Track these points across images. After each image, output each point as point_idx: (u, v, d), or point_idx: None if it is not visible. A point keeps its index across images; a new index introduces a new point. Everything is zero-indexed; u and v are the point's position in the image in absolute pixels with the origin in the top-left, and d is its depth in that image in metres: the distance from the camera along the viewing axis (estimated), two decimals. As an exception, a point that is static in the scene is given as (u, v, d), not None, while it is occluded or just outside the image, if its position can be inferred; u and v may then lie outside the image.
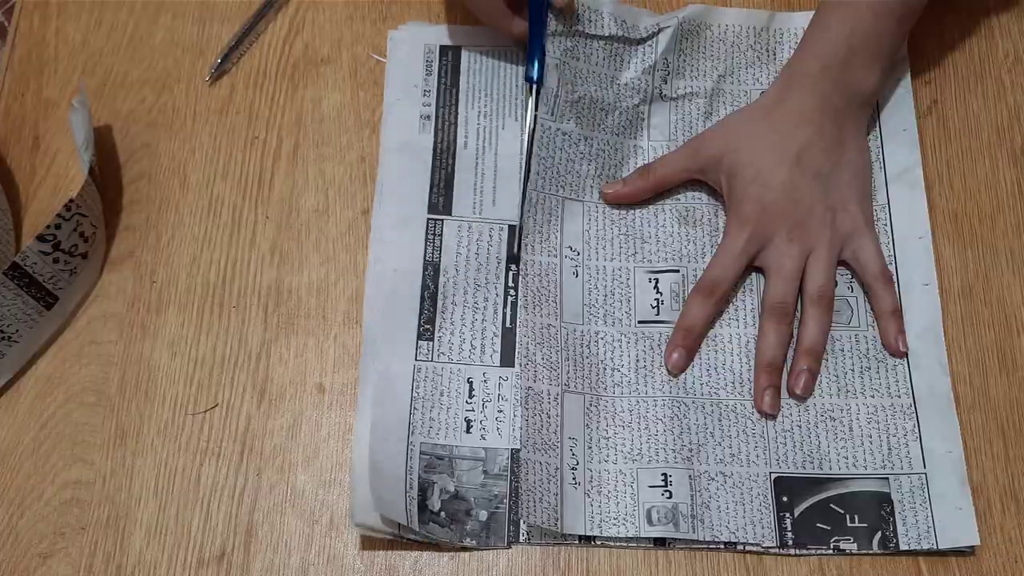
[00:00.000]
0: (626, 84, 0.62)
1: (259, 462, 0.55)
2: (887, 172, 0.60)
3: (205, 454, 0.55)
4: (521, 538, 0.52)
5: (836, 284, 0.57)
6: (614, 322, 0.57)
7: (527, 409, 0.54)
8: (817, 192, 0.56)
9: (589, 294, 0.58)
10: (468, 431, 0.54)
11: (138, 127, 0.63)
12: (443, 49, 0.64)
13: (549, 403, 0.55)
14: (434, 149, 0.61)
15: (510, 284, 0.58)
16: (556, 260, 0.58)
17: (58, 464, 0.55)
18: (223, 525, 0.54)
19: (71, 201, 0.55)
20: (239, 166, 0.62)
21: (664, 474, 0.53)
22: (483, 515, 0.53)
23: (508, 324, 0.57)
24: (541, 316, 0.56)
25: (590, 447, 0.54)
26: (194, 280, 0.59)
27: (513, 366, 0.56)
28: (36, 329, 0.57)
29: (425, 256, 0.58)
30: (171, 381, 0.57)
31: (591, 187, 0.60)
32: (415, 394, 0.55)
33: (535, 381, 0.55)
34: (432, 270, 0.58)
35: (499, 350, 0.56)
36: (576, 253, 0.59)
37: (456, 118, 0.62)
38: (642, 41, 0.62)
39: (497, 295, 0.57)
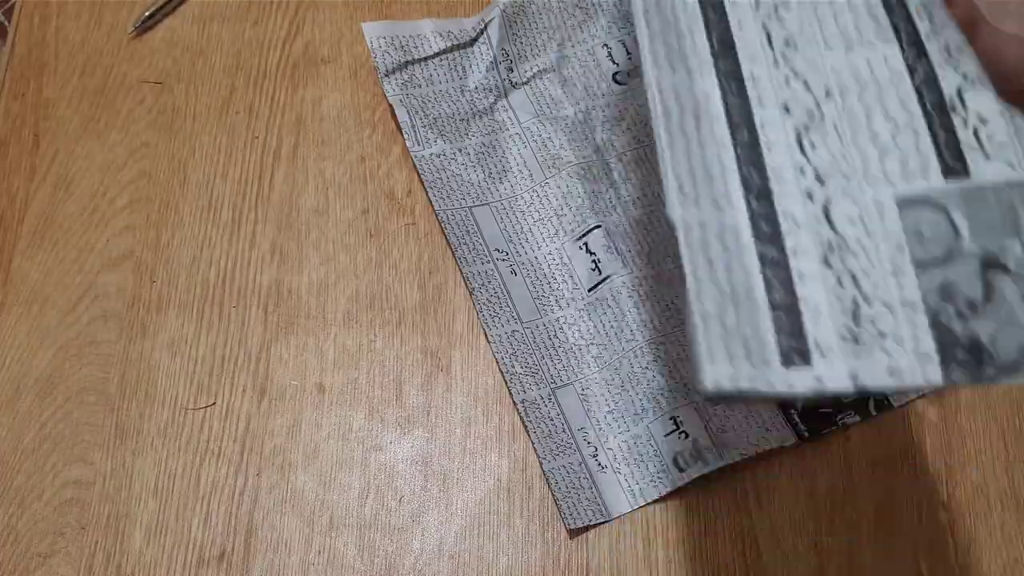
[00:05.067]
0: (476, 88, 0.63)
1: (259, 462, 0.55)
2: None
3: (205, 454, 0.55)
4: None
5: None
6: (568, 303, 0.58)
7: (530, 421, 0.54)
8: None
9: (534, 287, 0.58)
10: None
11: (138, 127, 0.64)
12: None
13: (546, 406, 0.55)
14: None
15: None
16: (492, 266, 0.58)
17: (58, 464, 0.55)
18: (223, 525, 0.54)
19: None
20: (239, 166, 0.62)
21: (672, 418, 0.54)
22: None
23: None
24: (503, 325, 0.57)
25: (600, 428, 0.55)
26: (194, 280, 0.59)
27: None
28: None
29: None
30: (171, 381, 0.57)
31: (488, 189, 0.61)
32: None
33: (525, 391, 0.55)
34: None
35: None
36: (505, 254, 0.59)
37: None
38: (474, 41, 0.63)
39: None
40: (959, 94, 0.32)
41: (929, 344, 0.29)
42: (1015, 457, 0.54)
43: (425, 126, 0.61)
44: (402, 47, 0.62)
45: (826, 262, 0.30)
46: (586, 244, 0.59)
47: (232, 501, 0.54)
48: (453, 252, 0.59)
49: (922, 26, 0.33)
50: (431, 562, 0.53)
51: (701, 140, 0.32)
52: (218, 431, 0.56)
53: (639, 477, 0.53)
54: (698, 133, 0.32)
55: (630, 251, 0.58)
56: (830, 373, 0.29)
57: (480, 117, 0.62)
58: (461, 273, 0.58)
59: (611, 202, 0.60)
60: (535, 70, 0.63)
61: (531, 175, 0.61)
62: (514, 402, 0.55)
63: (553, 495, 0.53)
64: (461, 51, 0.63)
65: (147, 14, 0.66)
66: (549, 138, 0.61)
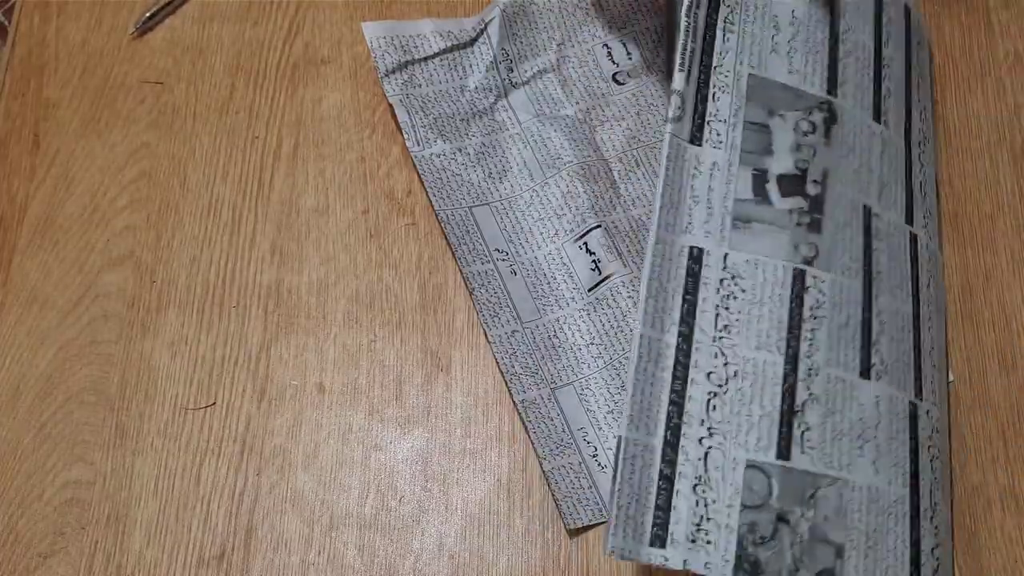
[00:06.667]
0: (476, 88, 0.63)
1: (259, 462, 0.55)
2: None
3: (205, 454, 0.55)
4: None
5: None
6: (568, 302, 0.58)
7: (530, 421, 0.54)
8: None
9: (534, 288, 0.58)
10: None
11: (138, 127, 0.64)
12: None
13: (546, 406, 0.55)
14: None
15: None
16: (491, 266, 0.58)
17: (58, 464, 0.55)
18: (223, 525, 0.54)
19: None
20: (239, 166, 0.62)
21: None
22: None
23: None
24: (503, 325, 0.57)
25: (600, 428, 0.55)
26: (194, 280, 0.59)
27: None
28: None
29: None
30: (171, 381, 0.57)
31: (488, 189, 0.61)
32: None
33: (525, 391, 0.55)
34: None
35: None
36: (505, 254, 0.59)
37: None
38: (474, 41, 0.63)
39: None
40: (803, 406, 0.46)
41: (732, 555, 0.44)
42: (1015, 457, 0.54)
43: (425, 126, 0.61)
44: (402, 47, 0.62)
45: (695, 490, 0.45)
46: (586, 244, 0.59)
47: (232, 501, 0.54)
48: (453, 252, 0.59)
49: (803, 348, 0.47)
50: (431, 562, 0.53)
51: (654, 381, 0.46)
52: (218, 431, 0.56)
53: None
54: (654, 376, 0.46)
55: (630, 251, 0.58)
56: (673, 557, 0.43)
57: (480, 117, 0.62)
58: (461, 273, 0.58)
59: (611, 202, 0.60)
60: (535, 70, 0.63)
61: (531, 175, 0.61)
62: (514, 402, 0.55)
63: (553, 495, 0.53)
64: (461, 51, 0.63)
65: (148, 14, 0.66)
66: (549, 138, 0.61)
